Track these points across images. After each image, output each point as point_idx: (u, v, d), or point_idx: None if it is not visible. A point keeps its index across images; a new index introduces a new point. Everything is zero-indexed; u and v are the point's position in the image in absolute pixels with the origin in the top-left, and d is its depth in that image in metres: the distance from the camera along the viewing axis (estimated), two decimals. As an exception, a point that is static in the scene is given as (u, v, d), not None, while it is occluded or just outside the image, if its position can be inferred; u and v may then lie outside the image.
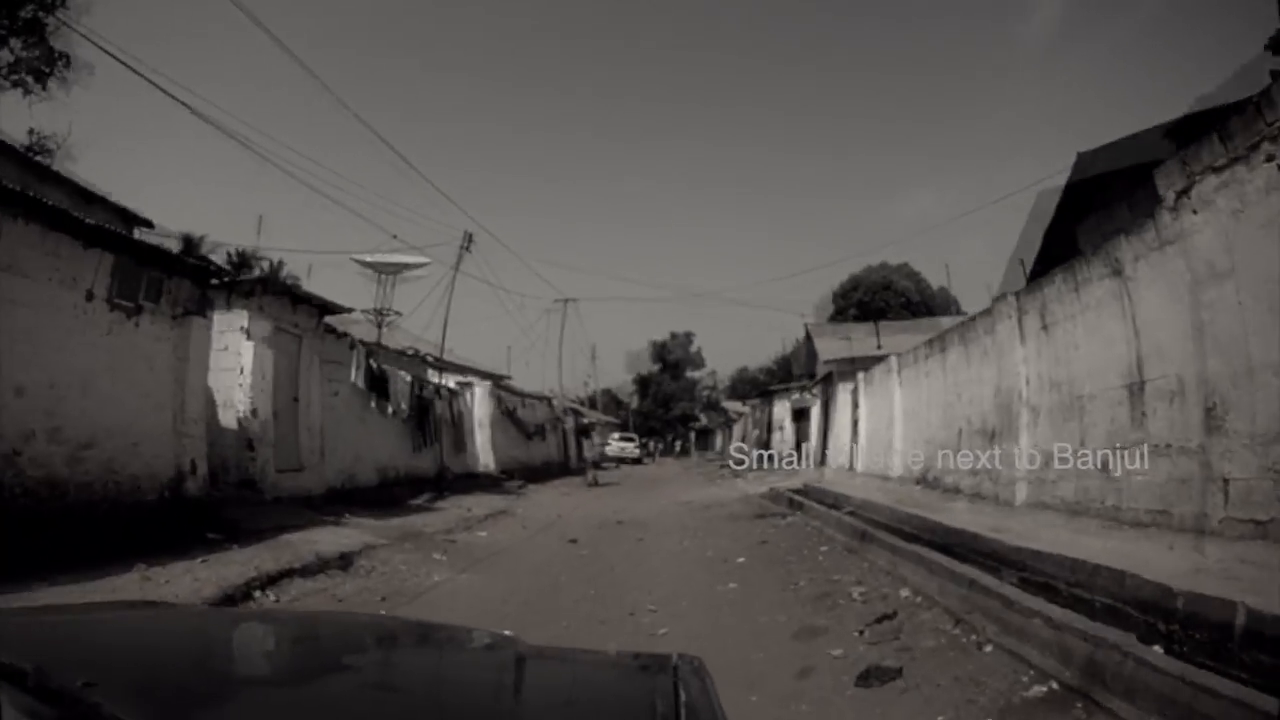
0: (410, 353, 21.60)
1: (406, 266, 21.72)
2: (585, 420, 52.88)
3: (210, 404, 12.41)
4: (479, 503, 18.17)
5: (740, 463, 42.00)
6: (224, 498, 11.82)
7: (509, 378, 34.88)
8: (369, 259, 21.40)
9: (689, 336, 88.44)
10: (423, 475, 20.06)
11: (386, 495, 17.19)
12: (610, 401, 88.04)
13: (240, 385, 13.16)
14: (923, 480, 15.60)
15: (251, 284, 13.96)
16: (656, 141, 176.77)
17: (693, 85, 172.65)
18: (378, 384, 17.79)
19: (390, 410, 18.21)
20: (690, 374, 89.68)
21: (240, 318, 13.26)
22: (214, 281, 12.46)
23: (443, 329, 23.09)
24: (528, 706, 1.62)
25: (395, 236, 21.77)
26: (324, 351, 15.96)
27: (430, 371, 22.60)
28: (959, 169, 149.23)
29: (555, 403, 37.90)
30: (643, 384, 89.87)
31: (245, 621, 2.91)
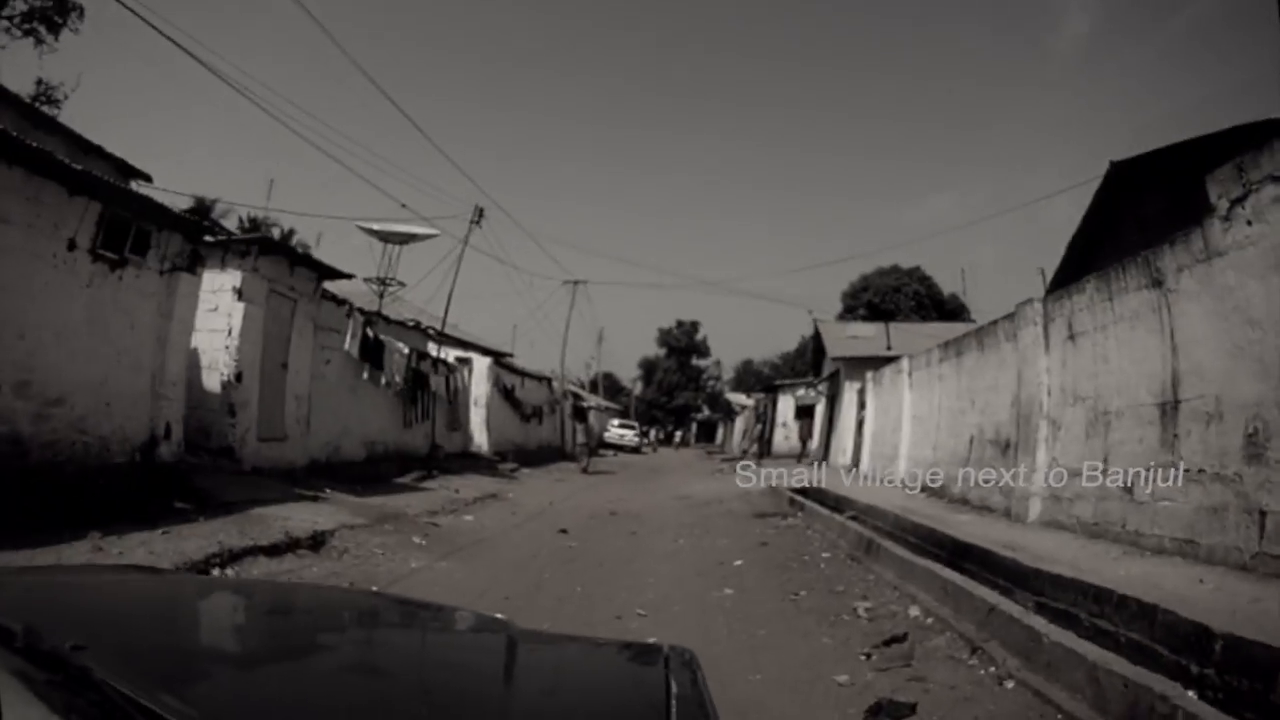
0: (410, 323, 21.04)
1: (414, 237, 21.12)
2: (585, 404, 52.33)
3: (194, 366, 11.93)
4: (469, 485, 17.68)
5: (741, 457, 41.71)
6: (198, 465, 11.33)
7: (511, 355, 34.32)
8: (376, 226, 20.81)
9: (695, 325, 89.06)
10: (413, 452, 19.58)
11: (372, 471, 16.72)
12: (612, 386, 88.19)
13: (227, 348, 12.65)
14: (929, 488, 15.09)
15: (247, 243, 13.43)
16: (676, 137, 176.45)
17: (717, 84, 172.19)
18: (372, 354, 17.27)
19: (383, 382, 17.70)
20: (695, 362, 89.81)
21: (233, 277, 12.75)
22: (208, 239, 11.94)
23: (446, 302, 22.75)
24: (519, 691, 1.61)
25: (404, 206, 21.23)
26: (319, 317, 15.44)
27: (430, 345, 22.09)
28: (979, 175, 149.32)
29: (555, 384, 37.33)
30: (648, 369, 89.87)
31: (238, 590, 3.00)
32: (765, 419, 41.70)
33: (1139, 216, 14.09)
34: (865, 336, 29.95)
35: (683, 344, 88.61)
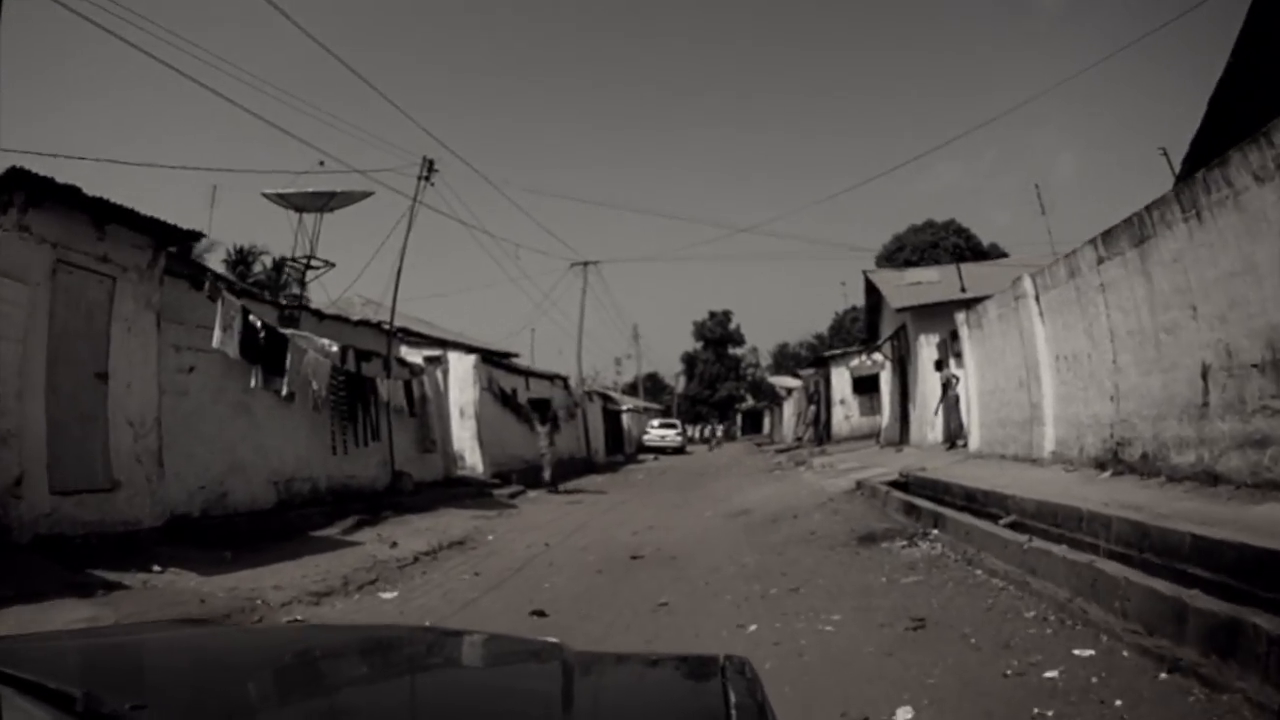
0: (331, 313, 15.84)
1: (336, 198, 15.94)
2: (619, 406, 47.12)
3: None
4: (431, 528, 12.44)
5: (797, 446, 36.26)
6: None
7: (514, 355, 29.13)
8: (286, 191, 15.72)
9: (728, 314, 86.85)
10: (359, 488, 14.38)
11: (278, 522, 11.62)
12: (656, 386, 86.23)
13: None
14: (1117, 461, 9.66)
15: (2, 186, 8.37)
16: (682, 131, 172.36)
17: (716, 75, 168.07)
18: (265, 354, 12.13)
19: (287, 392, 12.51)
20: (732, 351, 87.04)
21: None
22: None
23: (395, 280, 17.30)
24: (580, 713, 1.54)
25: (322, 163, 15.81)
26: (165, 304, 10.44)
27: (399, 345, 16.95)
28: (984, 140, 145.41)
29: (573, 384, 31.92)
30: (689, 363, 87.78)
31: (294, 637, 2.78)
32: (818, 398, 36.15)
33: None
34: (930, 282, 24.26)
35: (717, 335, 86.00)
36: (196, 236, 11.04)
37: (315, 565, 9.18)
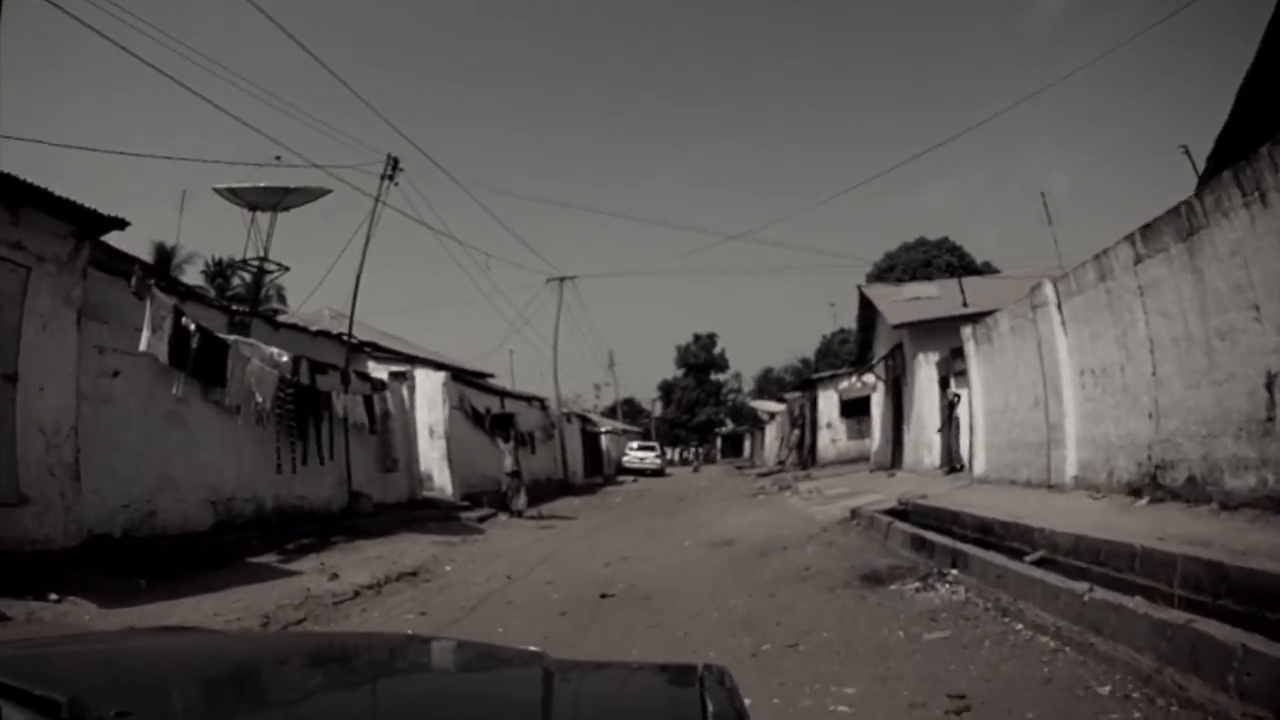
0: (288, 322, 14.60)
1: (291, 194, 14.68)
2: (598, 428, 45.92)
3: None
4: (386, 556, 11.14)
5: (779, 470, 35.01)
6: None
7: (489, 375, 27.90)
8: (239, 186, 14.49)
9: (713, 338, 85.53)
10: (313, 509, 13.07)
11: (211, 546, 10.34)
12: (633, 410, 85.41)
13: None
14: (1151, 485, 8.58)
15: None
16: (669, 146, 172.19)
17: (704, 87, 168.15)
18: (205, 362, 10.89)
19: (230, 403, 11.26)
20: (715, 376, 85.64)
21: None
22: None
23: (355, 285, 16.08)
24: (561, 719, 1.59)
25: (279, 158, 14.51)
26: (89, 300, 9.32)
27: (334, 352, 15.67)
28: (975, 158, 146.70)
29: (550, 406, 30.62)
30: (667, 390, 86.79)
31: (278, 644, 2.95)
32: (803, 422, 35.04)
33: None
34: (929, 297, 23.19)
35: (701, 360, 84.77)
36: (120, 224, 9.78)
37: (238, 600, 7.89)
